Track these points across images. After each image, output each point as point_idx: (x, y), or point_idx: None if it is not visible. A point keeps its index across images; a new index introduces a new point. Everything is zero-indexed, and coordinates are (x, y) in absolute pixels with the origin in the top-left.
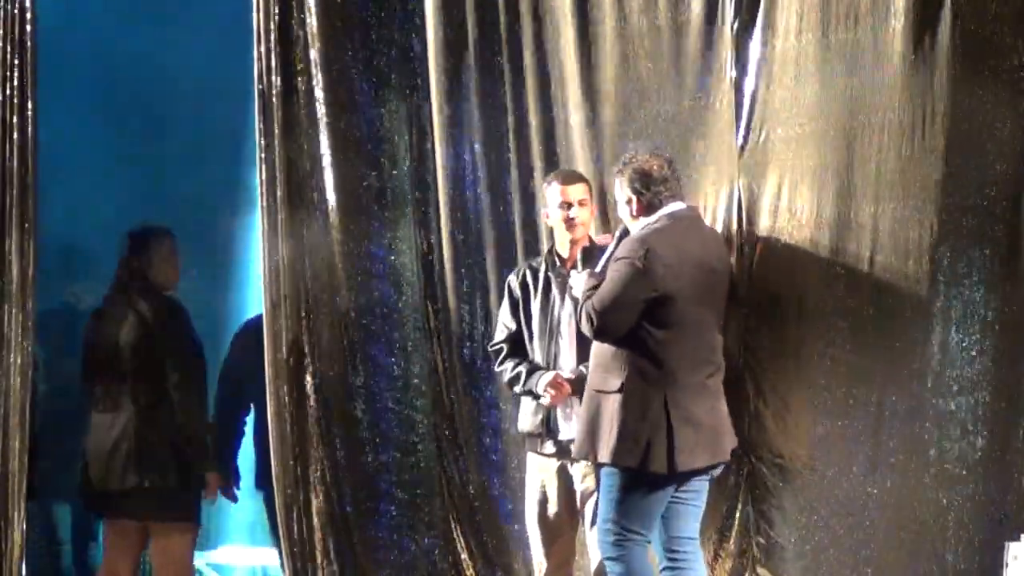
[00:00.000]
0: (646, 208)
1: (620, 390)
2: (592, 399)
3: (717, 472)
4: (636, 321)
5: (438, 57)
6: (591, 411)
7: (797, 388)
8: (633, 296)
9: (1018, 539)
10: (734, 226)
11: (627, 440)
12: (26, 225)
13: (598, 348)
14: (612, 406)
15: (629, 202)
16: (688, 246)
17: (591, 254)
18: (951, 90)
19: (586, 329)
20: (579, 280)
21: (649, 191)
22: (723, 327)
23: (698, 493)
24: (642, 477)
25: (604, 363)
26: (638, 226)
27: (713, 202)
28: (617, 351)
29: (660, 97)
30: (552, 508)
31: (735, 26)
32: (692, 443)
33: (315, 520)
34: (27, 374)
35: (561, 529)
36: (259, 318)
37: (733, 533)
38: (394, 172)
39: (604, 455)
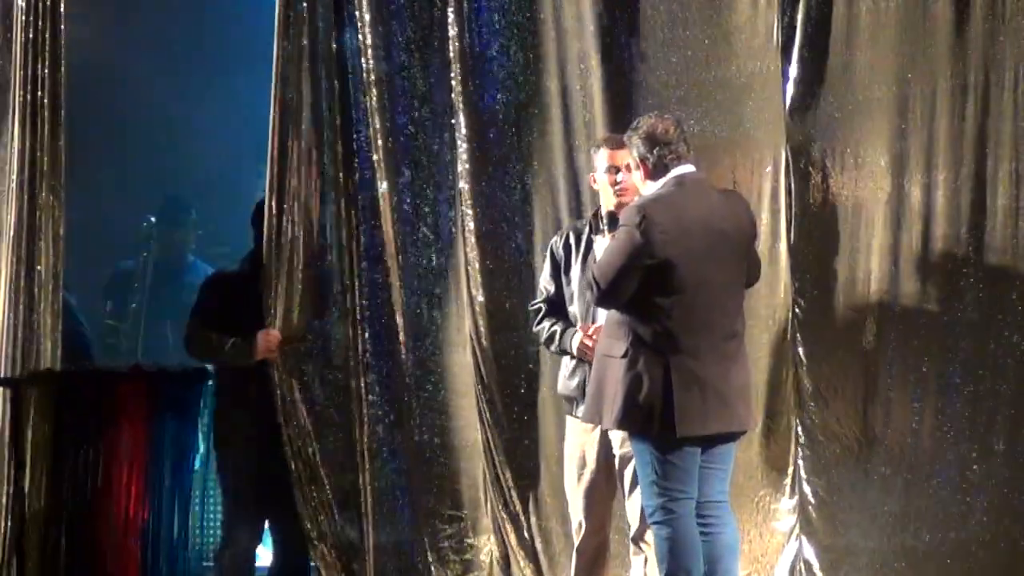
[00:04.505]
0: (653, 171)
1: (625, 355)
2: (600, 364)
3: (741, 436)
4: (638, 288)
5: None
6: (598, 376)
7: (847, 355)
8: (630, 264)
9: None
10: (782, 192)
11: (630, 405)
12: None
13: (607, 314)
14: (617, 371)
15: (638, 166)
16: (691, 211)
17: (616, 219)
18: (1008, 52)
19: (589, 296)
20: (603, 245)
21: (655, 154)
22: (742, 291)
23: (723, 456)
24: (665, 440)
25: (611, 329)
26: (647, 190)
27: (759, 168)
28: (622, 317)
29: (709, 62)
30: (590, 472)
31: None
32: (697, 409)
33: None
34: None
35: (599, 493)
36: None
37: (783, 499)
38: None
39: (608, 421)
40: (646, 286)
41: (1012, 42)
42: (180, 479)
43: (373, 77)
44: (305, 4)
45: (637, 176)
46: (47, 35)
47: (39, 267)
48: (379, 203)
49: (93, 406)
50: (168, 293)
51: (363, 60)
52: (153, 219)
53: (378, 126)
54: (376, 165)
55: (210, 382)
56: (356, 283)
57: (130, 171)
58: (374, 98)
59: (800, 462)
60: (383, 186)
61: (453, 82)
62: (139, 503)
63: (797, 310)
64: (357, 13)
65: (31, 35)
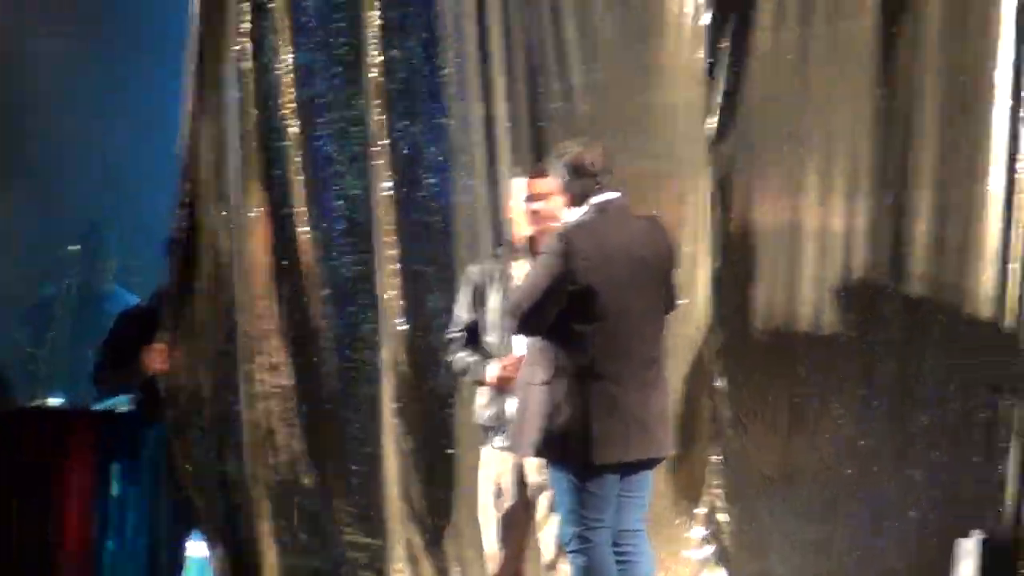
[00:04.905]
0: (577, 199)
1: (546, 383)
2: (522, 392)
3: (660, 463)
4: (559, 315)
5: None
6: (521, 404)
7: (766, 383)
8: (551, 291)
9: (968, 535)
10: (707, 220)
11: (549, 433)
12: None
13: (528, 342)
14: (537, 399)
15: (561, 193)
16: (612, 238)
17: (535, 245)
18: (928, 83)
19: (508, 324)
20: (520, 272)
21: (579, 183)
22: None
23: (641, 484)
24: (584, 468)
25: (533, 356)
26: (568, 216)
27: (682, 195)
28: (544, 344)
29: (634, 91)
30: (506, 501)
31: (710, 18)
32: (616, 436)
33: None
34: None
35: (515, 521)
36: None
37: (699, 527)
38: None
39: (528, 449)
40: (567, 313)
41: (934, 71)
42: (128, 517)
43: (295, 104)
44: (223, 35)
45: (559, 202)
46: None
47: None
48: (295, 231)
49: (42, 445)
50: (89, 321)
51: (284, 87)
52: (76, 247)
53: (299, 154)
54: (295, 194)
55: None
56: (276, 312)
57: (51, 195)
58: (296, 125)
59: (718, 490)
60: (301, 209)
61: (376, 110)
62: (87, 544)
63: (717, 339)
64: (278, 40)
65: None
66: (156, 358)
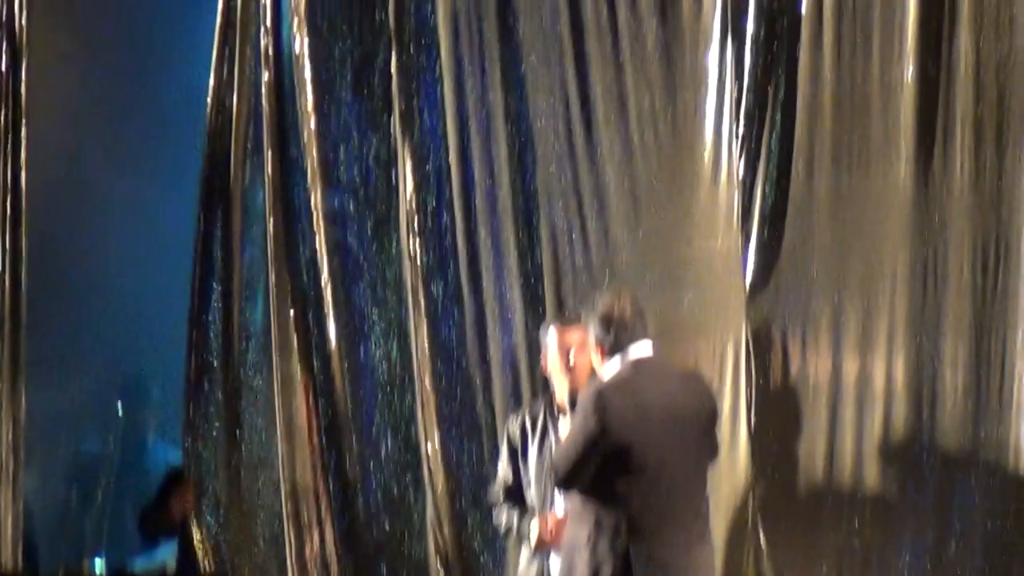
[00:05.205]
0: (610, 351)
1: (588, 541)
2: (567, 552)
3: None
4: (598, 473)
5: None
6: (567, 564)
7: (808, 542)
8: (588, 451)
9: None
10: (742, 373)
11: None
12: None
13: (571, 499)
14: (583, 558)
15: (595, 347)
16: (649, 395)
17: (575, 399)
18: (966, 232)
19: (548, 481)
20: (566, 428)
21: (611, 335)
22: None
23: None
24: None
25: (575, 514)
26: (604, 371)
27: (720, 347)
28: (586, 501)
29: (670, 241)
30: None
31: (743, 168)
32: None
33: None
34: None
35: None
36: None
37: None
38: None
39: None
40: (605, 471)
41: (968, 218)
42: None
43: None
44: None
45: (594, 356)
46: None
47: None
48: (332, 383)
49: None
50: (129, 479)
51: (307, 148)
52: (119, 403)
53: (323, 239)
54: (324, 285)
55: None
56: (317, 465)
57: (87, 345)
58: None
59: None
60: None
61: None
62: None
63: (758, 493)
64: (298, 99)
65: None
66: (183, 503)
